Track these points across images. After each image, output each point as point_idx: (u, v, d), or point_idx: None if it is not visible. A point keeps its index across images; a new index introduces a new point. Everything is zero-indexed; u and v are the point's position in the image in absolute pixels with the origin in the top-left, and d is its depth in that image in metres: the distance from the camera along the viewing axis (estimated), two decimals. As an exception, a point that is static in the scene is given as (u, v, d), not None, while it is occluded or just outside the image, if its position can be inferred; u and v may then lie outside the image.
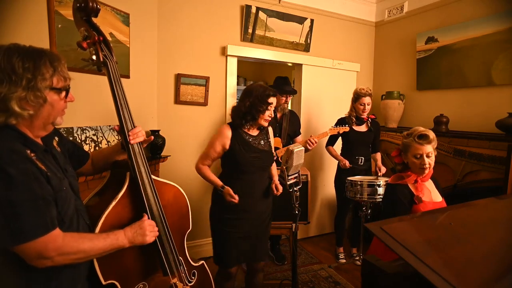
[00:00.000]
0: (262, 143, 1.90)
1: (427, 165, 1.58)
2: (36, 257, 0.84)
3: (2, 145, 0.82)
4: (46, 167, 0.90)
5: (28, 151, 0.87)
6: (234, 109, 1.87)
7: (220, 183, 1.83)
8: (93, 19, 1.15)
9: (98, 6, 1.12)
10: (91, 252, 0.95)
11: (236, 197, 1.76)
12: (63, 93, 0.94)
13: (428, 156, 1.57)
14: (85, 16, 1.12)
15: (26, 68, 0.84)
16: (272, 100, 1.84)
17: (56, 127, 1.02)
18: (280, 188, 1.93)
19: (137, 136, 1.17)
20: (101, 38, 1.13)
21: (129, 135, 1.15)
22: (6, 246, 0.82)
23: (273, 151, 2.01)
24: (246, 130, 1.86)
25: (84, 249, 0.93)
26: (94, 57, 1.11)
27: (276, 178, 1.99)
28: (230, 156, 1.83)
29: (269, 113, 1.84)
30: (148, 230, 1.11)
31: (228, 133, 1.82)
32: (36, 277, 0.89)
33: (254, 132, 1.90)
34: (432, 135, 1.58)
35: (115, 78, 1.15)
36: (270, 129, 2.02)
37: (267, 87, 1.86)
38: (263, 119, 1.83)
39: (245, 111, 1.81)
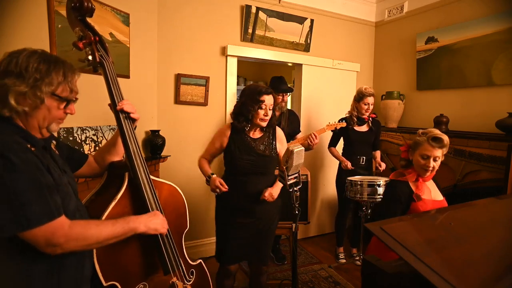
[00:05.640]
0: (262, 147, 1.83)
1: (431, 168, 1.57)
2: (45, 244, 0.85)
3: (3, 136, 0.85)
4: (46, 162, 0.91)
5: (28, 145, 0.89)
6: (232, 110, 1.87)
7: (209, 171, 1.83)
8: (88, 19, 1.14)
9: (93, 6, 1.12)
10: (100, 238, 0.95)
11: (223, 187, 1.72)
12: (64, 103, 0.96)
13: (434, 160, 1.57)
14: (80, 16, 1.12)
15: (38, 69, 0.89)
16: (266, 98, 1.76)
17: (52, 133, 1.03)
18: (268, 196, 1.78)
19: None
20: (97, 38, 1.13)
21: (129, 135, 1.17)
22: (12, 233, 0.82)
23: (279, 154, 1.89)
24: (246, 132, 1.83)
25: (92, 234, 0.93)
26: (90, 58, 1.11)
27: (275, 188, 1.83)
28: (226, 155, 1.85)
29: (263, 112, 1.76)
30: (164, 222, 1.15)
31: (227, 132, 1.83)
32: (37, 273, 0.89)
33: (256, 134, 1.86)
34: (446, 140, 1.57)
35: (112, 78, 1.15)
36: (280, 131, 1.95)
37: (260, 86, 1.80)
38: (258, 119, 1.77)
39: (238, 112, 1.80)
